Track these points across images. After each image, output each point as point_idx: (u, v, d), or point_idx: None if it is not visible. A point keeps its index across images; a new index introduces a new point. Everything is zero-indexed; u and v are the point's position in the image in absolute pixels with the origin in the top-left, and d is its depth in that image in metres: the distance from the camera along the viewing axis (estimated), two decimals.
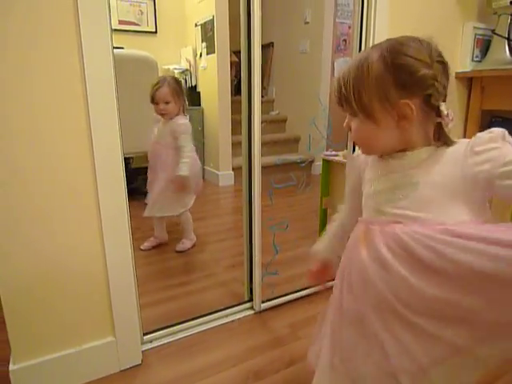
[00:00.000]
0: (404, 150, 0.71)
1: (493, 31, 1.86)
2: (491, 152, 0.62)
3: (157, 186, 2.06)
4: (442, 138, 0.70)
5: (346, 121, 0.76)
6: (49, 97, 1.03)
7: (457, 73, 1.88)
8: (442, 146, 0.70)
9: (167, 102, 1.96)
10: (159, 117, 2.05)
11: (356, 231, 0.79)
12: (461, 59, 1.89)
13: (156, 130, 2.08)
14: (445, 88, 0.68)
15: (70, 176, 1.09)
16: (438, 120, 0.68)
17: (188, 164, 1.97)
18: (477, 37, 1.87)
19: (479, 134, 0.66)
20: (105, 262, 1.18)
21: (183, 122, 2.02)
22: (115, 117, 1.11)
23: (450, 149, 0.68)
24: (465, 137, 0.71)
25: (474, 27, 1.84)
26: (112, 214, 1.16)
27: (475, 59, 1.91)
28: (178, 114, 2.02)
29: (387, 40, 0.70)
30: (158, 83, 1.97)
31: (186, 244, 2.21)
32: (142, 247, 2.17)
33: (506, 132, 0.65)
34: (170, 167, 2.00)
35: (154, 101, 1.98)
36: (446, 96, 0.69)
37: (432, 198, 0.67)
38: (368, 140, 0.74)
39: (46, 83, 1.02)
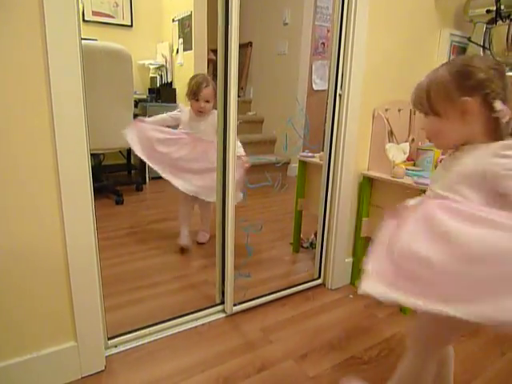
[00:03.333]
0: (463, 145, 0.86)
1: (469, 39, 1.90)
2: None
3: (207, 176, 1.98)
4: (498, 135, 0.82)
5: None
6: (8, 88, 0.95)
7: None
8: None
9: (208, 101, 2.00)
10: (178, 114, 2.06)
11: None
12: (437, 64, 1.90)
13: (189, 127, 2.06)
14: (503, 89, 0.80)
15: (29, 169, 1.02)
16: (495, 115, 0.80)
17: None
18: (453, 43, 1.90)
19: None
20: (66, 260, 1.11)
21: None
22: (81, 110, 1.04)
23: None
24: None
25: (451, 34, 1.88)
26: (75, 211, 1.09)
27: None
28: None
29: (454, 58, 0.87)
30: (202, 82, 1.96)
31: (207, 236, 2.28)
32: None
33: None
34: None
35: (195, 97, 1.98)
36: (505, 96, 0.81)
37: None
38: (437, 134, 0.90)
39: (4, 74, 0.94)
